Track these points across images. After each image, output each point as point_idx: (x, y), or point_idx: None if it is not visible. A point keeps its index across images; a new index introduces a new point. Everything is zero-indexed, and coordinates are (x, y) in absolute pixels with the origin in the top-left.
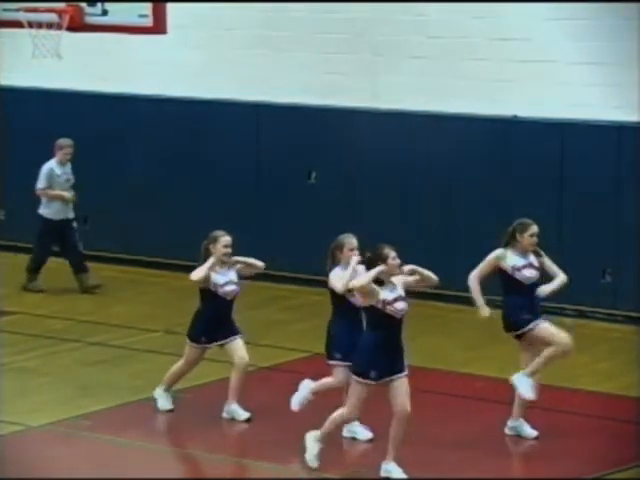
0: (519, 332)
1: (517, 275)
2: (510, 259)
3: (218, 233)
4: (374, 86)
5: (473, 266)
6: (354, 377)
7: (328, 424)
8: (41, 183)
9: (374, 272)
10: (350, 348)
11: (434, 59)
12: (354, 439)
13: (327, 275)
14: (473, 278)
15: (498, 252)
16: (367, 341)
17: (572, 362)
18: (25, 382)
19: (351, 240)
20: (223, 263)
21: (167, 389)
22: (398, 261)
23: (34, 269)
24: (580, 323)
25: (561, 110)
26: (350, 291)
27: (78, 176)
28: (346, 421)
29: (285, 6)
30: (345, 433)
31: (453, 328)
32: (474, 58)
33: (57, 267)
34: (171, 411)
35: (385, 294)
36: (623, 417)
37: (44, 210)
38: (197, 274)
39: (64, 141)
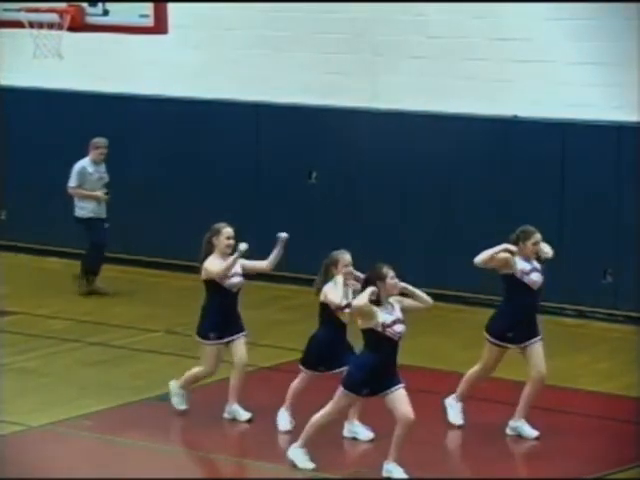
0: (491, 341)
1: (525, 279)
2: (519, 263)
3: (220, 225)
4: (374, 86)
5: (472, 267)
6: (344, 390)
7: (308, 427)
8: (72, 182)
9: (368, 292)
10: (330, 361)
11: (434, 59)
12: (355, 439)
13: (315, 289)
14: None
15: (509, 256)
16: (364, 361)
17: (572, 362)
18: (25, 382)
19: (345, 256)
20: (224, 255)
21: (183, 387)
22: (396, 280)
23: (90, 272)
24: (580, 323)
25: (561, 110)
26: (343, 308)
27: None
28: (324, 424)
29: (285, 6)
30: (346, 433)
31: (453, 328)
32: (474, 58)
33: (57, 268)
34: (184, 412)
35: (384, 317)
36: (623, 417)
37: (80, 212)
38: (219, 267)
39: (99, 141)
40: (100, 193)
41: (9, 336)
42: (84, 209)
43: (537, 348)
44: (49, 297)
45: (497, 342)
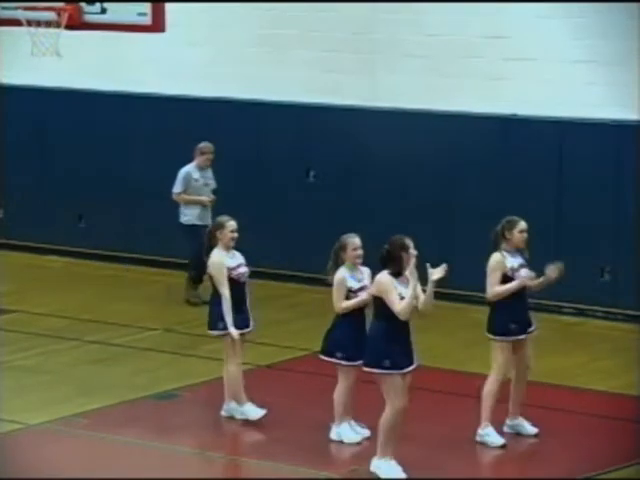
0: (501, 339)
1: (516, 276)
2: (508, 261)
3: (224, 219)
4: (373, 84)
5: (472, 264)
6: (368, 369)
7: (382, 435)
8: (177, 187)
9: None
10: (348, 348)
11: (433, 57)
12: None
13: (326, 274)
14: (495, 293)
15: (497, 257)
16: (377, 329)
17: (571, 361)
18: (24, 380)
19: (354, 240)
20: (228, 248)
21: (240, 401)
22: (416, 252)
23: (196, 279)
24: (579, 321)
25: (560, 108)
26: (356, 292)
27: (75, 174)
28: (398, 415)
29: (284, 5)
30: (333, 436)
31: (453, 326)
32: (473, 56)
33: (56, 266)
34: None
35: (401, 289)
36: (623, 415)
37: (184, 218)
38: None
39: (206, 146)
40: (205, 198)
41: (8, 334)
42: (188, 215)
43: (529, 341)
44: (48, 295)
45: (503, 338)
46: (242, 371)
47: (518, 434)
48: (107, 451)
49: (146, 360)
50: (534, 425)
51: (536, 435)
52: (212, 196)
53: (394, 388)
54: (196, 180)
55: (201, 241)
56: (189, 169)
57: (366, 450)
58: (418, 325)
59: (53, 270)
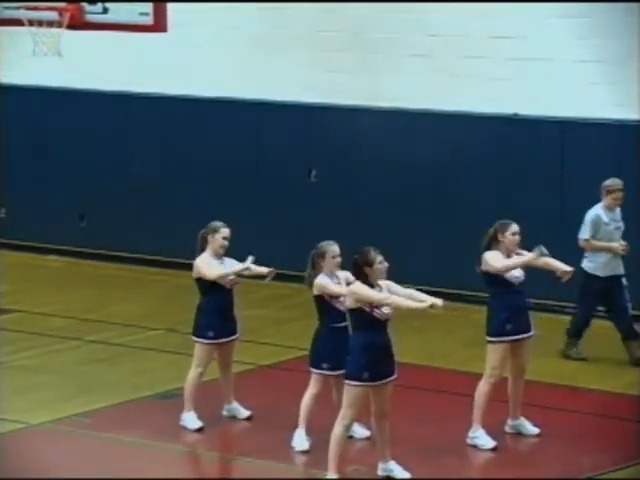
0: (497, 340)
1: (506, 275)
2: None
3: (217, 224)
4: (374, 84)
5: (472, 265)
6: (347, 381)
7: (332, 446)
8: (585, 233)
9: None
10: (332, 357)
11: (434, 57)
12: (351, 437)
13: (306, 281)
14: (504, 265)
15: (493, 251)
16: (355, 343)
17: (572, 360)
18: (26, 380)
19: (333, 247)
20: (217, 254)
21: (190, 408)
22: (385, 264)
23: (575, 333)
24: None
25: (561, 108)
26: (339, 297)
27: (76, 174)
28: (349, 427)
29: (285, 4)
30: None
31: (452, 326)
32: (474, 56)
33: (57, 266)
34: (201, 429)
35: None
36: (623, 415)
37: (588, 264)
38: (216, 273)
39: (613, 184)
40: (617, 244)
41: (9, 334)
42: (592, 262)
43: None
44: (49, 295)
45: (499, 339)
46: (202, 382)
47: (519, 434)
48: (109, 451)
49: (148, 360)
50: (535, 425)
51: (537, 435)
52: (624, 243)
53: (357, 399)
54: (607, 224)
55: (599, 295)
56: (599, 212)
57: (366, 450)
58: (418, 325)
59: (54, 270)
